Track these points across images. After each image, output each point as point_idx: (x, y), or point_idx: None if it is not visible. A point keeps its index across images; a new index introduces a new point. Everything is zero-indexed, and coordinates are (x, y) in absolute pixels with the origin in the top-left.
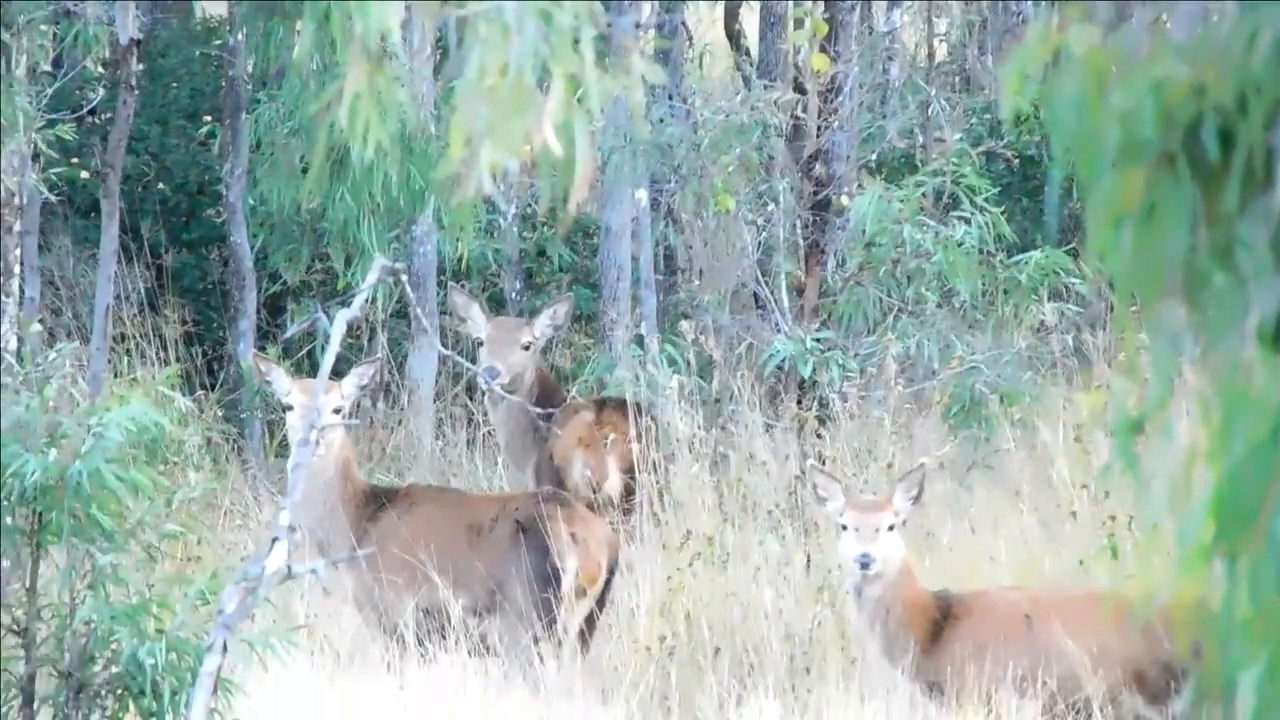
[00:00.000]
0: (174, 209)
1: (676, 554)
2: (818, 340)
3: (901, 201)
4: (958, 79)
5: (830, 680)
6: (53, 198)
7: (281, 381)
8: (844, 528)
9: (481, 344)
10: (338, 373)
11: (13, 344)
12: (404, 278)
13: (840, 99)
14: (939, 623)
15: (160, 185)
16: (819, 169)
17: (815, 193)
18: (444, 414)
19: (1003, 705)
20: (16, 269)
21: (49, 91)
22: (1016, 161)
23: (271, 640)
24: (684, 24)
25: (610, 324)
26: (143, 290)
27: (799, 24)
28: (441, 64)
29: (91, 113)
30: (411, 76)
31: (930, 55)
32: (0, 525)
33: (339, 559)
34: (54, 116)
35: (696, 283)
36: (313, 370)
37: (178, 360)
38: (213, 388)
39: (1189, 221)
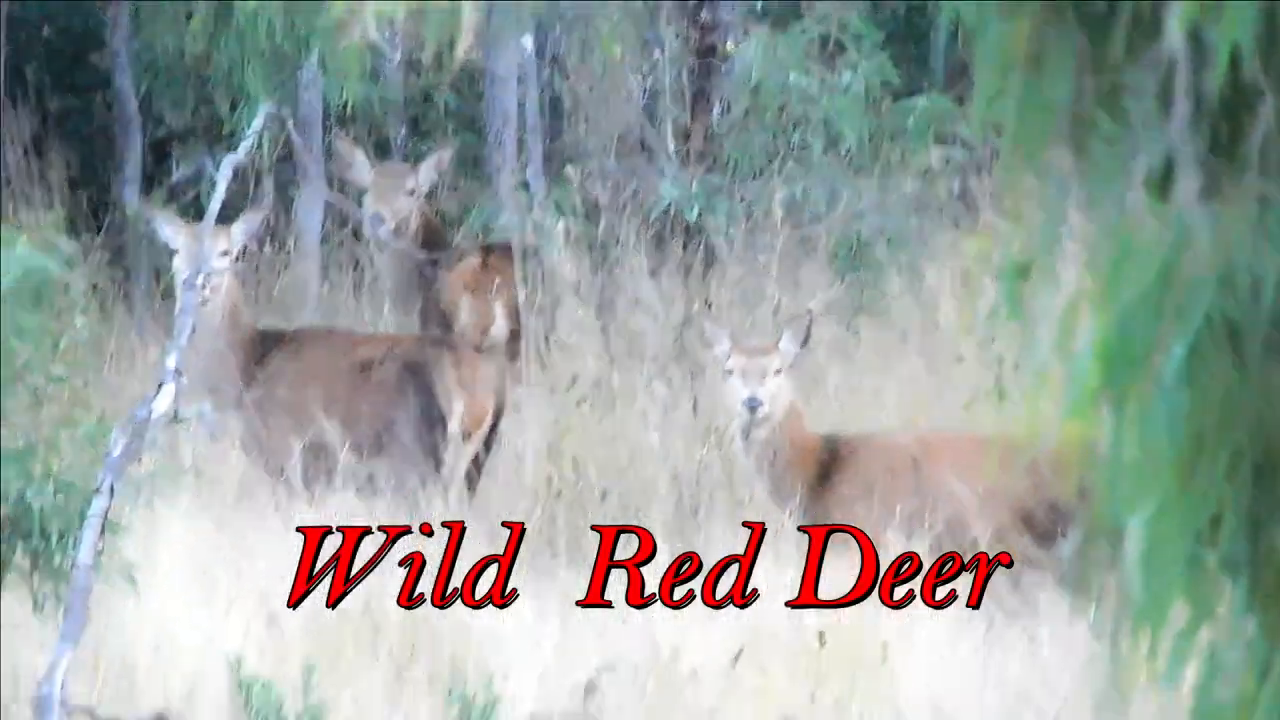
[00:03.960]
0: (59, 54)
1: (563, 397)
2: (704, 185)
3: (787, 48)
4: None
5: (717, 523)
6: None
7: (168, 227)
8: (731, 372)
9: (366, 191)
10: (223, 218)
11: None
12: (289, 123)
13: None
14: (826, 465)
15: (44, 30)
16: (705, 15)
17: (701, 39)
18: (330, 258)
19: (889, 548)
20: None
21: None
22: (903, 8)
23: (159, 483)
24: None
25: (496, 169)
26: (28, 135)
27: None
28: None
29: None
30: None
31: None
32: None
33: (226, 402)
34: None
35: (583, 128)
36: (199, 216)
37: (63, 205)
38: (98, 232)
39: (1076, 68)
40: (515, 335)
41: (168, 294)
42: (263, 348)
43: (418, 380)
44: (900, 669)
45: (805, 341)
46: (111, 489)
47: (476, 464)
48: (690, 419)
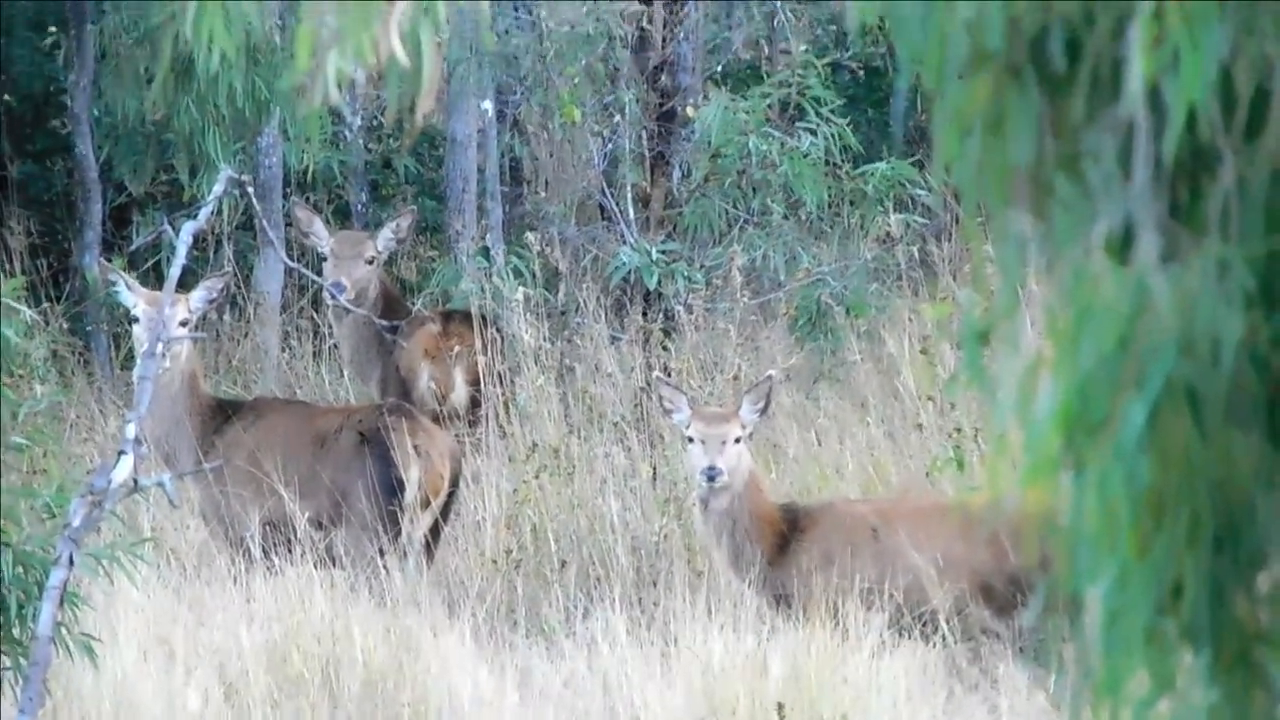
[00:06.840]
0: (19, 119)
1: (523, 465)
2: (663, 251)
3: (747, 113)
4: None
5: (677, 593)
6: None
7: (129, 293)
8: (690, 440)
9: (326, 259)
10: (183, 284)
11: None
12: (250, 189)
13: (686, 9)
14: (786, 535)
15: (4, 96)
16: (664, 80)
17: (661, 104)
18: (290, 326)
19: (849, 617)
20: None
21: None
22: (862, 73)
23: (118, 553)
24: None
25: (456, 235)
26: None
27: None
28: None
29: None
30: None
31: None
32: None
33: (185, 471)
34: None
35: (542, 194)
36: (159, 282)
37: (23, 272)
38: (58, 300)
39: (1036, 132)
40: (475, 403)
41: (127, 362)
42: (221, 417)
43: (375, 449)
44: None
45: (765, 409)
46: (71, 560)
47: (435, 533)
48: (650, 487)
